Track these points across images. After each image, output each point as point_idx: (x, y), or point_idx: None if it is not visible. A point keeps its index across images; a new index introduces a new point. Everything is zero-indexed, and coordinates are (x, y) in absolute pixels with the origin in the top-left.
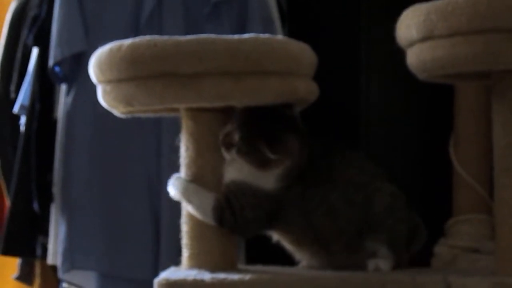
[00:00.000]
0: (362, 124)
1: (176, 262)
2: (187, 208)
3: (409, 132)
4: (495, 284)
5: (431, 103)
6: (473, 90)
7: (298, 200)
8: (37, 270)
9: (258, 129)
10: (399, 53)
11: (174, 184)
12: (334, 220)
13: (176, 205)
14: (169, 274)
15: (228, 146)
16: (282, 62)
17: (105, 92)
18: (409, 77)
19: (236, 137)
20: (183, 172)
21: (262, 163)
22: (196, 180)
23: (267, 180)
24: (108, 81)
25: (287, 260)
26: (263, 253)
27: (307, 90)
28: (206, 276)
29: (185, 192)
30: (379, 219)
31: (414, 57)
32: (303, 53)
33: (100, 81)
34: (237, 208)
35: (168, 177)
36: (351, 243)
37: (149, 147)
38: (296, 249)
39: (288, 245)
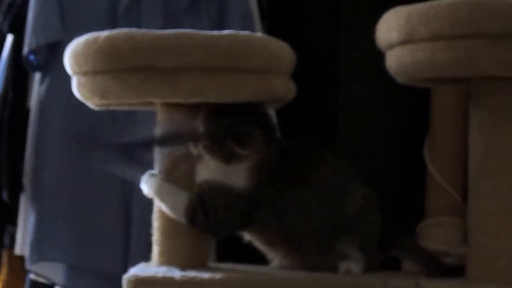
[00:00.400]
0: (340, 123)
1: (146, 257)
2: (159, 204)
3: (385, 133)
4: None
5: (408, 104)
6: (450, 93)
7: (271, 200)
8: (4, 260)
9: (222, 122)
10: (379, 55)
11: (147, 181)
12: (307, 221)
13: (148, 200)
14: (138, 270)
15: (195, 140)
16: (261, 59)
17: (80, 84)
18: (387, 78)
19: (200, 131)
20: (156, 167)
21: (228, 158)
22: (169, 175)
23: (237, 177)
24: (84, 73)
25: (258, 258)
26: (234, 250)
27: (285, 88)
28: (176, 273)
29: (159, 191)
30: (352, 221)
31: (393, 60)
32: (282, 51)
33: (75, 73)
34: (210, 209)
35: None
36: (324, 245)
37: (122, 140)
38: (268, 249)
39: (260, 245)
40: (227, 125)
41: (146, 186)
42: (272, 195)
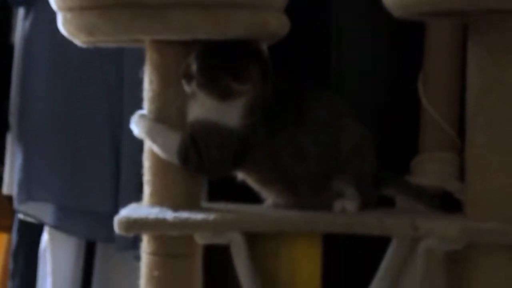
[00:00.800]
0: (333, 60)
1: (137, 197)
2: (150, 144)
3: (378, 68)
4: (464, 229)
5: (402, 39)
6: (445, 26)
7: (265, 140)
8: None
9: (217, 58)
10: None
11: (137, 122)
12: (301, 160)
13: (138, 139)
14: (129, 211)
15: (188, 78)
16: None
17: (65, 20)
18: (381, 12)
19: (194, 67)
20: (146, 106)
21: (223, 94)
22: (160, 114)
23: (231, 115)
24: (69, 9)
25: (252, 197)
26: (227, 189)
27: (278, 24)
28: (168, 215)
29: (150, 132)
30: (346, 159)
31: None
32: None
33: (60, 8)
34: (202, 149)
35: (130, 109)
36: (318, 184)
37: (110, 78)
38: (263, 188)
39: (254, 185)
40: (223, 60)
41: (136, 127)
42: (266, 134)
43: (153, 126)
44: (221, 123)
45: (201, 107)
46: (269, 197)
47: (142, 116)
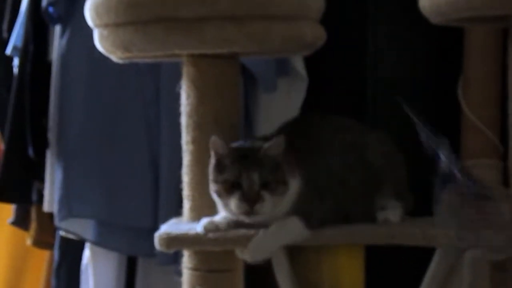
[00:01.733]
0: (370, 67)
1: (177, 212)
2: (188, 158)
3: (417, 74)
4: (510, 238)
5: (441, 45)
6: (483, 31)
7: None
8: (33, 216)
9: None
10: None
11: (256, 248)
12: (346, 190)
13: (177, 153)
14: (170, 227)
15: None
16: (288, 5)
17: (102, 37)
18: (419, 19)
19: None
20: (183, 120)
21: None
22: (197, 128)
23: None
24: (105, 25)
25: None
26: None
27: (314, 35)
28: None
29: (274, 238)
30: (379, 171)
31: (427, 1)
32: None
33: (97, 25)
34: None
35: (167, 123)
36: (367, 208)
37: (147, 92)
38: None
39: None
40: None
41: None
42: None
43: (271, 234)
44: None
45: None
46: None
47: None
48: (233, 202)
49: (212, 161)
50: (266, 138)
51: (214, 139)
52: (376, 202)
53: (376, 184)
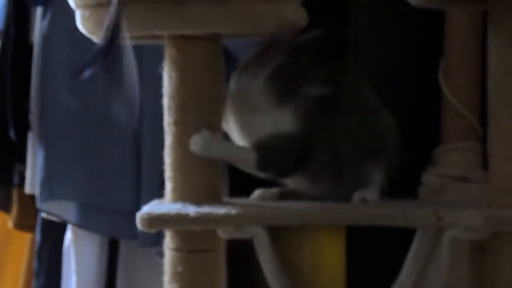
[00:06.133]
0: (351, 49)
1: (159, 194)
2: (170, 139)
3: (398, 57)
4: (488, 218)
5: (421, 28)
6: (464, 14)
7: (324, 131)
8: (15, 198)
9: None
10: None
11: (204, 145)
12: (353, 148)
13: (159, 135)
14: (151, 207)
15: None
16: None
17: (84, 18)
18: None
19: None
20: (165, 102)
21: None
22: (179, 109)
23: (290, 119)
24: (87, 6)
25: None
26: (247, 184)
27: (295, 16)
28: (191, 210)
29: (225, 154)
30: (379, 142)
31: None
32: None
33: (78, 6)
34: (276, 160)
35: (149, 105)
36: (358, 170)
37: (129, 74)
38: (312, 184)
39: (302, 182)
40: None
41: (202, 149)
42: (324, 125)
43: (226, 147)
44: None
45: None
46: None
47: (208, 138)
48: None
49: None
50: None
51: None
52: (364, 168)
53: (371, 152)
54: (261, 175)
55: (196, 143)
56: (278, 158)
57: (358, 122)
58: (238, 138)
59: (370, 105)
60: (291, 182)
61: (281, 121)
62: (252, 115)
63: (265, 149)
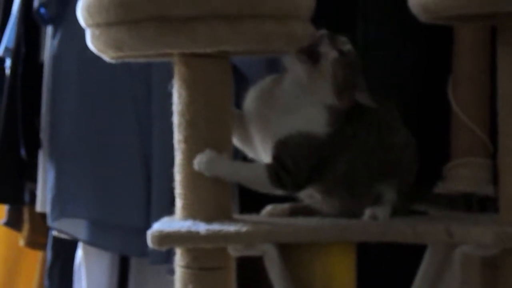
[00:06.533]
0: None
1: (169, 211)
2: (180, 157)
3: (407, 73)
4: (499, 234)
5: (430, 43)
6: (473, 30)
7: (343, 143)
8: (26, 216)
9: None
10: None
11: (209, 164)
12: (369, 163)
13: (168, 152)
14: (162, 225)
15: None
16: (279, 4)
17: (94, 37)
18: (408, 17)
19: None
20: (175, 120)
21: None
22: (189, 127)
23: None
24: (97, 25)
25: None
26: (257, 201)
27: (304, 33)
28: (201, 227)
29: (230, 173)
30: (397, 162)
31: None
32: None
33: (88, 25)
34: (291, 165)
35: (159, 123)
36: (368, 186)
37: (139, 92)
38: (325, 198)
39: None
40: None
41: (207, 169)
42: (345, 138)
43: (233, 166)
44: (311, 132)
45: (301, 119)
46: (323, 207)
47: (213, 157)
48: None
49: None
50: None
51: None
52: (377, 186)
53: (385, 170)
54: (272, 189)
55: (200, 162)
56: (293, 165)
57: (377, 139)
58: (253, 148)
59: (390, 123)
60: (304, 196)
61: (314, 121)
62: (284, 112)
63: (284, 152)
